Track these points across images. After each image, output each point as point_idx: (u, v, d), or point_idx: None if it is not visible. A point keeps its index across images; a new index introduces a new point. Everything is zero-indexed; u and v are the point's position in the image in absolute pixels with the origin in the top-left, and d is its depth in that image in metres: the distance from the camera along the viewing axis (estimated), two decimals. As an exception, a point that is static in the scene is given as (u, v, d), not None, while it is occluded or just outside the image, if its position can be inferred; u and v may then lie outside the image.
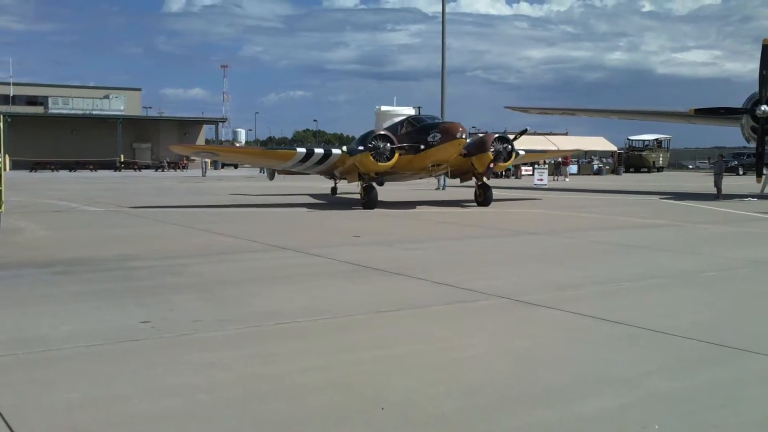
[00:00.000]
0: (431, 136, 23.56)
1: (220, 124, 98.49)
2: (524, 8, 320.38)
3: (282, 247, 14.20)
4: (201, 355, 6.64)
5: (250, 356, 6.62)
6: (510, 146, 25.34)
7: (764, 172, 32.59)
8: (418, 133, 24.09)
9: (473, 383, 5.91)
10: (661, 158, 73.57)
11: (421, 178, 29.56)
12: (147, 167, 78.60)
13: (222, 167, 79.63)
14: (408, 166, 24.44)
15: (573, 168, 60.36)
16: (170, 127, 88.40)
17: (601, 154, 67.83)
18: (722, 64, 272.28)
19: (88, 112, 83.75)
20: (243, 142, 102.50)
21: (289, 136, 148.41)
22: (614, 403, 5.47)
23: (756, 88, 29.06)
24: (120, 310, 8.51)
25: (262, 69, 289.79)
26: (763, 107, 28.53)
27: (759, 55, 28.53)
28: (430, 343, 7.19)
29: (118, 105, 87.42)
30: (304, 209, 24.29)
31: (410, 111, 55.93)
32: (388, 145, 23.62)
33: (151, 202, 27.36)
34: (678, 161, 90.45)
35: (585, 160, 67.02)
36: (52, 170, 71.22)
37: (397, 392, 5.66)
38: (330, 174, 27.81)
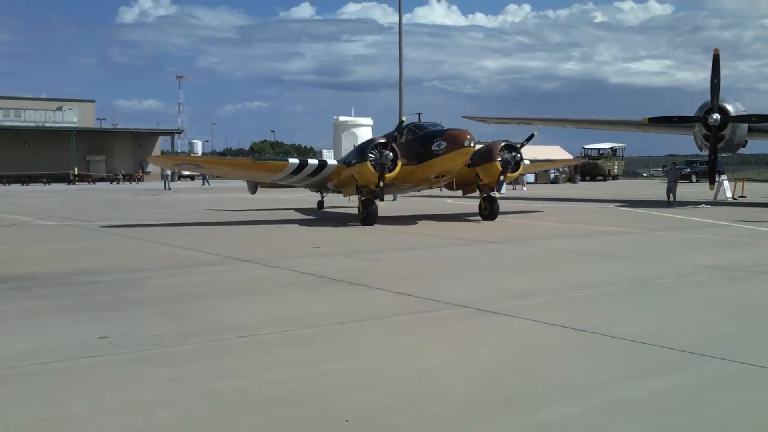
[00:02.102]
0: (436, 144, 21.62)
1: (176, 135, 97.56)
2: (480, 19, 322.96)
3: (243, 260, 14.08)
4: (161, 370, 6.54)
5: (211, 371, 6.53)
6: (519, 155, 23.42)
7: (717, 179, 33.24)
8: (422, 142, 22.19)
9: (437, 393, 5.90)
10: (616, 166, 74.61)
11: (419, 191, 27.51)
12: (101, 180, 77.50)
13: (179, 179, 78.48)
14: (409, 178, 22.52)
15: (530, 177, 60.95)
16: (125, 139, 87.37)
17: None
18: (674, 74, 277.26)
19: (40, 124, 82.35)
20: (199, 153, 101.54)
21: (247, 147, 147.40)
22: (577, 410, 5.50)
23: (708, 97, 29.61)
24: (77, 326, 8.35)
25: (218, 80, 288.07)
26: (715, 116, 29.08)
27: (710, 65, 29.11)
28: (393, 353, 7.17)
29: (71, 117, 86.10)
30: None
31: (368, 121, 56.30)
32: (391, 154, 21.36)
33: (119, 217, 26.96)
34: (633, 169, 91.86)
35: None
36: (4, 183, 69.85)
37: (361, 404, 5.63)
38: (321, 187, 25.77)
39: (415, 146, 22.17)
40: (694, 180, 63.65)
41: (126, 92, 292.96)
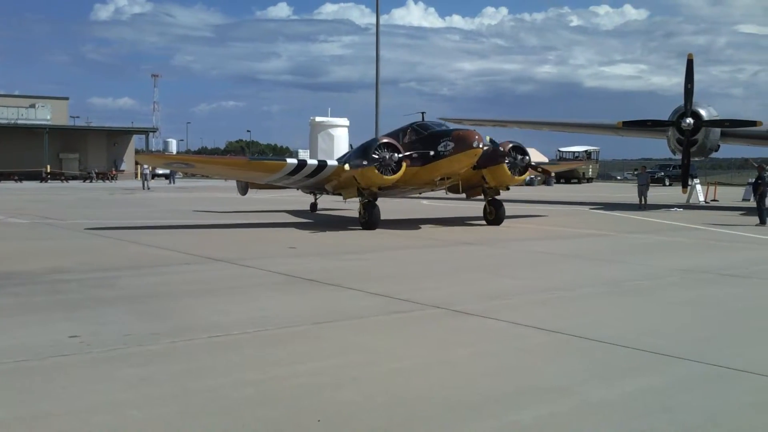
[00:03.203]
0: (442, 145, 20.44)
1: (151, 134, 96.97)
2: (457, 21, 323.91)
3: (216, 259, 13.99)
4: (132, 370, 6.48)
5: (183, 371, 6.48)
6: (528, 157, 22.46)
7: (689, 182, 33.57)
8: (427, 142, 20.94)
9: (410, 394, 5.90)
10: (590, 169, 75.13)
11: (420, 194, 26.83)
12: (74, 178, 76.72)
13: (153, 177, 77.36)
14: (412, 180, 21.29)
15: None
16: (98, 137, 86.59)
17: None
18: (648, 78, 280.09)
19: (12, 121, 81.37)
20: (174, 152, 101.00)
21: (222, 146, 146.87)
22: (549, 411, 5.53)
23: (681, 102, 29.91)
24: (47, 325, 8.25)
25: (194, 79, 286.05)
26: (688, 120, 29.38)
27: (684, 70, 29.41)
28: (366, 354, 7.16)
29: (44, 114, 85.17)
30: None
31: (345, 121, 56.30)
32: (396, 155, 20.27)
33: (92, 216, 26.69)
34: (607, 172, 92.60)
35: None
36: (-25, 181, 68.97)
37: (334, 405, 5.61)
38: (318, 189, 24.57)
39: (420, 147, 20.98)
40: (667, 183, 64.24)
41: (100, 90, 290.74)
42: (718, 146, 32.76)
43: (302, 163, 22.02)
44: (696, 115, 29.67)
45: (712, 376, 6.48)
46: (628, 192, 42.81)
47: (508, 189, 23.16)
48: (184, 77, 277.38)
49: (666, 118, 30.76)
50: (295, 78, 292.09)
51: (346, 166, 20.53)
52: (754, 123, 29.47)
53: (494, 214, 22.51)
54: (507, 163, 21.77)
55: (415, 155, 20.50)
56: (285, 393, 5.87)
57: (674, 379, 6.39)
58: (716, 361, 6.86)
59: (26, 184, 66.93)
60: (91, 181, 73.52)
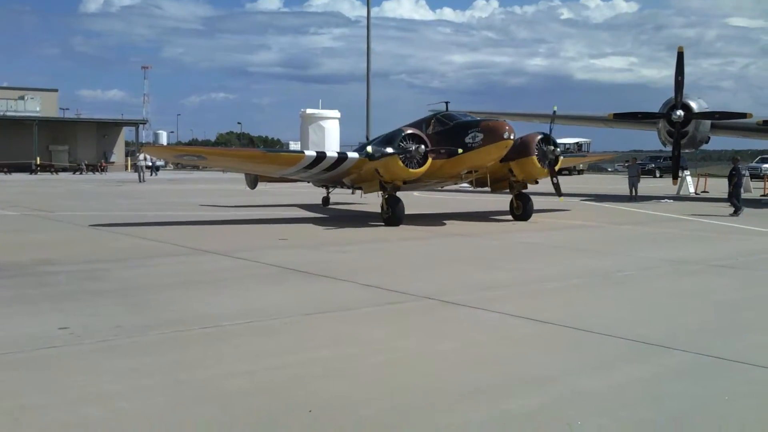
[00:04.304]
0: (470, 136, 19.29)
1: (141, 126, 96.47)
2: (447, 14, 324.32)
3: (206, 251, 13.97)
4: (122, 361, 6.47)
5: (173, 362, 6.47)
6: (558, 149, 21.20)
7: (680, 174, 33.65)
8: (453, 133, 19.82)
9: (401, 384, 5.91)
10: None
11: (442, 188, 25.60)
12: (64, 170, 76.31)
13: (157, 170, 76.39)
14: (437, 173, 20.02)
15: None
16: (88, 128, 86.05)
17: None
18: (638, 71, 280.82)
19: (2, 113, 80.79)
20: (164, 144, 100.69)
21: (213, 138, 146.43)
22: (539, 400, 5.55)
23: (672, 94, 29.94)
24: (37, 317, 8.23)
25: (184, 71, 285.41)
26: (679, 112, 29.41)
27: (674, 62, 29.43)
28: (357, 345, 7.16)
29: (33, 106, 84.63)
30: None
31: (335, 114, 56.20)
32: (422, 147, 19.17)
33: (83, 208, 26.56)
34: (598, 164, 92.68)
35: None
36: (-36, 173, 68.57)
37: (325, 395, 5.62)
38: (334, 183, 23.21)
39: (445, 138, 19.83)
40: (657, 175, 64.36)
41: (90, 82, 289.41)
42: (709, 138, 32.83)
43: (321, 156, 20.47)
44: (686, 108, 29.70)
45: (701, 365, 6.51)
46: (617, 184, 42.89)
47: (537, 183, 22.03)
48: (174, 69, 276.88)
49: (656, 111, 30.79)
50: (285, 70, 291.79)
51: (371, 149, 19.33)
52: (744, 115, 29.54)
53: (522, 209, 21.29)
54: (536, 155, 20.57)
55: (442, 151, 19.36)
56: (276, 384, 5.88)
57: (663, 368, 6.43)
58: (705, 351, 6.89)
59: (16, 176, 66.52)
60: (81, 173, 73.15)
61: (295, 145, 58.95)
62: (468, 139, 19.35)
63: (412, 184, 20.50)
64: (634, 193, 31.63)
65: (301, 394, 5.64)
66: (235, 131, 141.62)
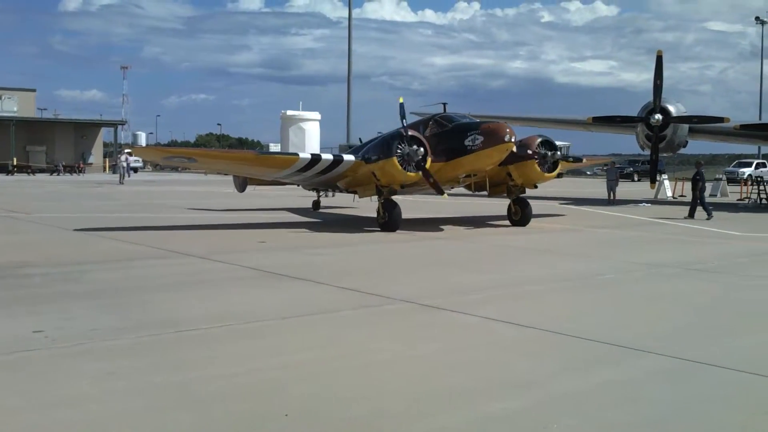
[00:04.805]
0: (470, 139, 18.80)
1: (120, 126, 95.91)
2: (429, 15, 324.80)
3: (186, 254, 13.87)
4: (97, 364, 6.40)
5: (150, 365, 6.41)
6: (558, 153, 20.83)
7: (658, 178, 33.90)
8: (451, 136, 19.37)
9: (380, 388, 5.89)
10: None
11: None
12: (41, 171, 75.61)
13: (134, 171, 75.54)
14: (435, 176, 19.09)
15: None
16: (66, 129, 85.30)
17: None
18: (618, 74, 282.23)
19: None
20: (143, 145, 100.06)
21: (192, 139, 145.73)
22: (518, 404, 5.55)
23: (650, 98, 30.16)
24: (11, 319, 8.13)
25: (164, 71, 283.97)
26: (657, 116, 29.62)
27: (653, 66, 29.64)
28: (335, 349, 7.14)
29: (10, 106, 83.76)
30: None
31: (316, 115, 56.13)
32: (422, 149, 18.46)
33: (60, 209, 26.31)
34: (577, 167, 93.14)
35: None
36: (-60, 173, 67.77)
37: (303, 398, 5.59)
38: (328, 186, 22.57)
39: (443, 140, 19.38)
40: (636, 179, 64.82)
41: (68, 82, 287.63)
42: (686, 142, 33.12)
43: (316, 158, 19.81)
44: (665, 112, 29.93)
45: (678, 369, 6.55)
46: (597, 187, 43.15)
47: (536, 187, 21.50)
48: (153, 69, 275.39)
49: (635, 114, 31.01)
50: (266, 71, 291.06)
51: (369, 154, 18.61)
52: (721, 119, 29.83)
53: (520, 214, 20.76)
54: (536, 158, 20.16)
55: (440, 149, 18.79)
56: (253, 387, 5.84)
57: (640, 372, 6.45)
58: (681, 354, 6.93)
59: (-8, 176, 65.92)
60: (58, 174, 72.53)
61: (275, 147, 58.75)
62: (467, 142, 18.91)
63: (409, 187, 19.90)
64: (612, 197, 31.83)
65: (279, 397, 5.60)
66: (215, 132, 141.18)
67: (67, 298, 9.39)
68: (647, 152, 32.25)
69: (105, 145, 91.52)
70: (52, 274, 11.29)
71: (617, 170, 35.36)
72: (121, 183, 48.63)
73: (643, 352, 7.03)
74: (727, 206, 31.18)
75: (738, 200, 34.36)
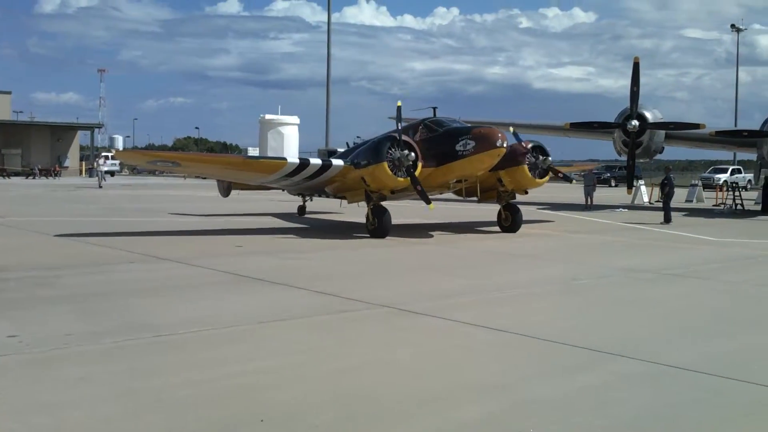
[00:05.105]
0: (461, 143, 18.54)
1: (96, 130, 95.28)
2: (408, 21, 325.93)
3: (162, 258, 13.81)
4: (72, 370, 6.36)
5: (125, 370, 6.39)
6: (549, 158, 20.53)
7: (635, 183, 34.16)
8: (442, 140, 19.08)
9: (354, 393, 5.90)
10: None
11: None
12: (17, 174, 74.92)
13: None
14: (425, 182, 18.75)
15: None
16: (42, 132, 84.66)
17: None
18: (596, 80, 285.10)
19: (-47, 115, 79.26)
20: (120, 149, 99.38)
21: (170, 143, 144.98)
22: (493, 408, 5.58)
23: (627, 104, 30.41)
24: (-15, 325, 8.05)
25: (141, 74, 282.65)
26: (634, 122, 29.86)
27: (630, 73, 29.91)
28: (311, 353, 7.14)
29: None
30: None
31: (295, 119, 55.98)
32: (412, 154, 18.17)
33: (35, 213, 26.04)
34: (567, 172, 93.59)
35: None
36: None
37: (278, 404, 5.59)
38: (314, 192, 22.17)
39: (433, 145, 19.09)
40: (613, 184, 65.24)
41: (44, 85, 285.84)
42: (663, 148, 33.41)
43: (305, 163, 19.34)
44: (641, 118, 30.18)
45: (652, 373, 6.61)
46: (574, 192, 43.39)
47: (526, 193, 21.48)
48: (131, 72, 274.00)
49: (612, 120, 31.24)
50: (244, 75, 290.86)
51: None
52: (697, 126, 30.12)
53: (510, 220, 20.61)
54: (527, 164, 20.00)
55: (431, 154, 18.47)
56: (229, 392, 5.83)
57: (614, 376, 6.51)
58: (656, 358, 7.00)
59: (-33, 180, 65.22)
60: (34, 178, 71.89)
61: (253, 151, 58.44)
62: (459, 147, 18.65)
63: (399, 193, 19.46)
64: (589, 202, 32.03)
65: (254, 402, 5.60)
66: (192, 136, 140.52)
67: (43, 303, 9.32)
68: (624, 158, 32.49)
69: (81, 148, 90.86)
70: (27, 279, 11.19)
71: (594, 176, 35.59)
72: (100, 187, 48.26)
73: (618, 357, 7.09)
74: (703, 212, 31.51)
75: (714, 206, 34.70)
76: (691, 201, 39.35)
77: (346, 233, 19.42)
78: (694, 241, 18.97)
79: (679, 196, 41.26)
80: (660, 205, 26.30)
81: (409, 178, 18.05)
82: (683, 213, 29.75)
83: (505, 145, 18.36)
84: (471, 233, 20.04)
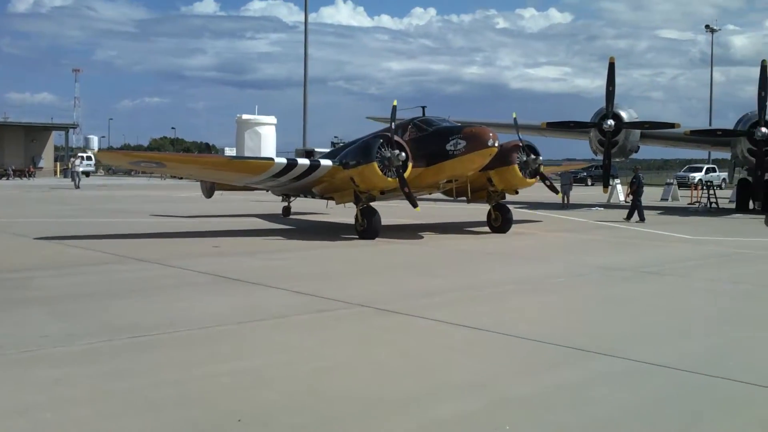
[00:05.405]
0: (452, 143, 18.22)
1: (71, 130, 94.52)
2: (385, 21, 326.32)
3: (140, 259, 13.70)
4: (47, 372, 6.29)
5: (100, 372, 6.32)
6: (540, 158, 20.31)
7: (610, 183, 34.39)
8: (432, 140, 18.71)
9: (332, 393, 5.89)
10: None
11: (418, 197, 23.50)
12: (-10, 175, 74.11)
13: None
14: (415, 182, 18.57)
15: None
16: (15, 133, 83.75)
17: None
18: (572, 80, 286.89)
19: (-76, 116, 78.22)
20: (96, 149, 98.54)
21: (146, 143, 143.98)
22: (469, 407, 5.59)
23: (603, 104, 30.60)
24: (-42, 327, 7.95)
25: (116, 74, 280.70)
26: (609, 122, 30.06)
27: (605, 73, 30.10)
28: (289, 353, 7.12)
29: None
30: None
31: (272, 120, 55.81)
32: (403, 154, 17.86)
33: (7, 214, 25.76)
34: (557, 171, 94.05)
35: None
36: None
37: (255, 404, 5.56)
38: (301, 192, 21.61)
39: (423, 145, 18.72)
40: (589, 183, 65.68)
41: (18, 85, 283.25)
42: (638, 147, 33.65)
43: (292, 163, 18.95)
44: (617, 117, 30.38)
45: (629, 371, 6.64)
46: (550, 192, 43.65)
47: (516, 193, 21.29)
48: (106, 72, 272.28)
49: (588, 120, 31.42)
50: (221, 75, 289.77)
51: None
52: (672, 125, 30.36)
53: (501, 220, 20.39)
54: (518, 163, 19.84)
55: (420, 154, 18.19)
56: (206, 393, 5.79)
57: (592, 374, 6.55)
58: (633, 356, 7.04)
59: (-61, 181, 64.41)
60: (8, 179, 71.14)
61: (230, 152, 58.18)
62: (449, 147, 18.33)
63: (389, 194, 19.07)
64: (566, 201, 32.21)
65: (231, 403, 5.57)
66: (168, 136, 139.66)
67: (17, 305, 9.21)
68: (600, 157, 32.68)
69: (56, 149, 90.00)
70: (2, 281, 11.06)
71: (571, 175, 35.81)
72: (77, 187, 47.78)
73: (595, 354, 7.13)
74: (678, 210, 31.81)
75: (689, 204, 35.03)
76: (667, 199, 39.72)
77: (332, 234, 19.25)
78: (670, 239, 19.13)
79: (655, 195, 41.64)
80: (629, 203, 26.71)
81: (398, 178, 17.79)
82: (659, 211, 30.02)
83: (496, 144, 18.19)
84: (460, 233, 20.05)
